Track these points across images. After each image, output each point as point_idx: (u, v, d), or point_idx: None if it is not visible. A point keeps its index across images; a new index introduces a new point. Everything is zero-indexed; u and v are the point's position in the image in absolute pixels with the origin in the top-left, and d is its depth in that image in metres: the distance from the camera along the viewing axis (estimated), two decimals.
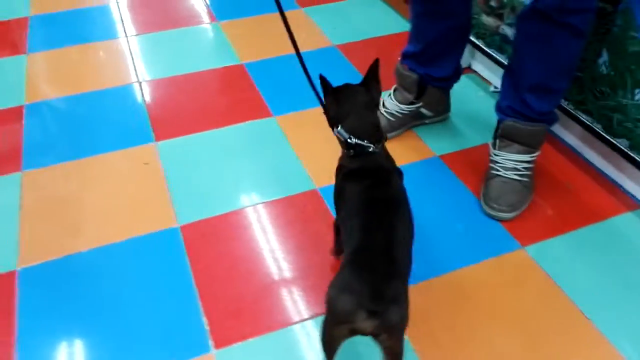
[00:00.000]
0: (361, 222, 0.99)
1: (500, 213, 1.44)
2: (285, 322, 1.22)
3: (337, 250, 1.30)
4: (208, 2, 2.56)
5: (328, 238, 1.31)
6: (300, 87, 1.92)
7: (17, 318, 1.24)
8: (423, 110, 1.74)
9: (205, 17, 2.44)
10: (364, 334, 0.90)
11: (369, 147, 1.06)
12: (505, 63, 1.85)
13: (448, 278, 1.31)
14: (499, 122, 1.50)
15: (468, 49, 1.92)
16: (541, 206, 1.49)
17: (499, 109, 1.52)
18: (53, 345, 1.20)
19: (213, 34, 2.31)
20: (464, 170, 1.61)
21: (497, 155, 1.49)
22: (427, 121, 1.77)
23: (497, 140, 1.50)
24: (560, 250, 1.37)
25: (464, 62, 1.95)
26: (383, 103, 1.73)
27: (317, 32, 2.27)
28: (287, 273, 1.33)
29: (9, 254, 1.38)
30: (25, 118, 1.86)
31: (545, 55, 1.38)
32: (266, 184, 1.58)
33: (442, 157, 1.67)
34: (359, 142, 1.06)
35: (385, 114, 1.71)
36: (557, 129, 1.72)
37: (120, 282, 1.32)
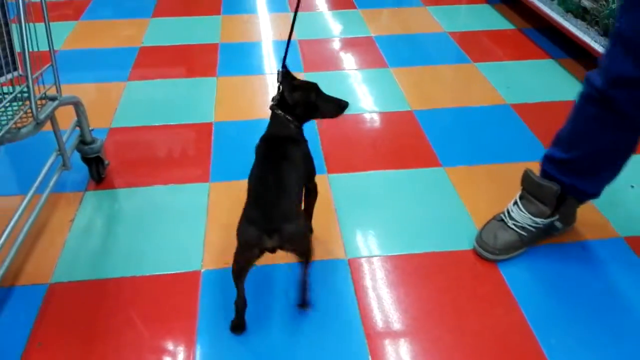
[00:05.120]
0: (256, 173, 1.25)
1: None
2: None
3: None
4: (381, 50, 2.69)
5: (498, 310, 1.30)
6: (472, 141, 1.95)
7: (199, 314, 1.38)
8: (556, 223, 1.53)
9: (378, 63, 2.56)
10: (271, 251, 1.16)
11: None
12: None
13: None
14: None
15: None
16: None
17: None
18: (227, 348, 1.30)
19: (385, 79, 2.42)
20: None
21: None
22: (556, 233, 1.55)
23: None
24: None
25: None
26: (509, 214, 1.52)
27: (490, 89, 2.29)
28: (452, 331, 1.34)
29: (195, 255, 1.54)
30: (214, 134, 2.06)
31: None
32: (433, 234, 1.60)
33: (627, 239, 1.56)
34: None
35: (514, 227, 1.49)
36: None
37: (292, 298, 1.41)
